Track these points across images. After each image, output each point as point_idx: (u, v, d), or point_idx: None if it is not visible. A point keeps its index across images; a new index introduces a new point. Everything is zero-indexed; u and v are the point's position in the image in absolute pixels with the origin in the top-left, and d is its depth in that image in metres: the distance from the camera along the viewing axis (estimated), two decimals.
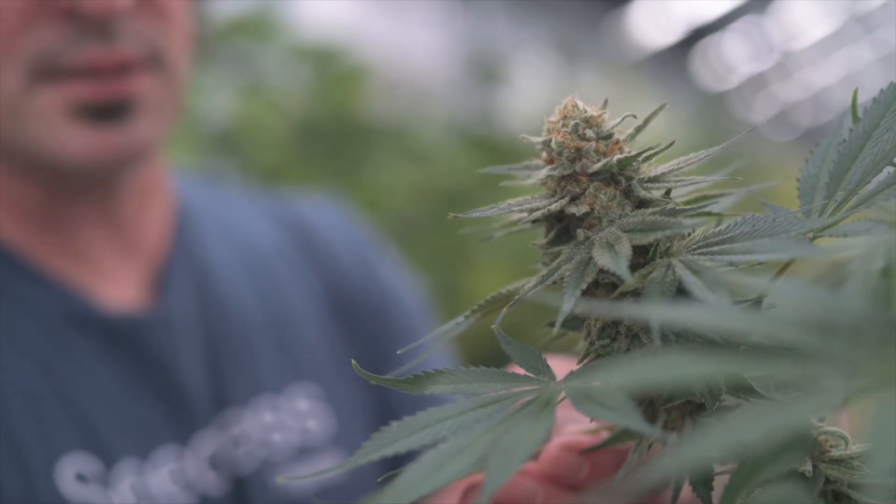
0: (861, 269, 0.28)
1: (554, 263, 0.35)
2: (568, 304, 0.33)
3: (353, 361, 0.36)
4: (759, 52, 7.83)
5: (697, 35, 7.59)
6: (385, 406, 0.88)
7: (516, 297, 0.36)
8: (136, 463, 0.74)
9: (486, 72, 4.39)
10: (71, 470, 0.72)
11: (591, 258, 0.34)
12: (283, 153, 2.68)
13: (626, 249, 0.33)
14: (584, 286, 0.33)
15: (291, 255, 0.93)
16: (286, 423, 0.83)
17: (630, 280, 0.32)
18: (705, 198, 0.38)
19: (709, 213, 0.36)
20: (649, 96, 6.00)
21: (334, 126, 2.88)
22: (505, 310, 0.36)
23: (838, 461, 0.36)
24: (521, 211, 0.36)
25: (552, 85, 5.27)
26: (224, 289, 0.85)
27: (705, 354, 0.27)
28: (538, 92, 4.96)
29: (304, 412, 0.84)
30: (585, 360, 0.38)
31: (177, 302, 0.81)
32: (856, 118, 0.39)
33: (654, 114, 0.36)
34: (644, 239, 0.33)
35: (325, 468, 0.81)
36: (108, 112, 0.73)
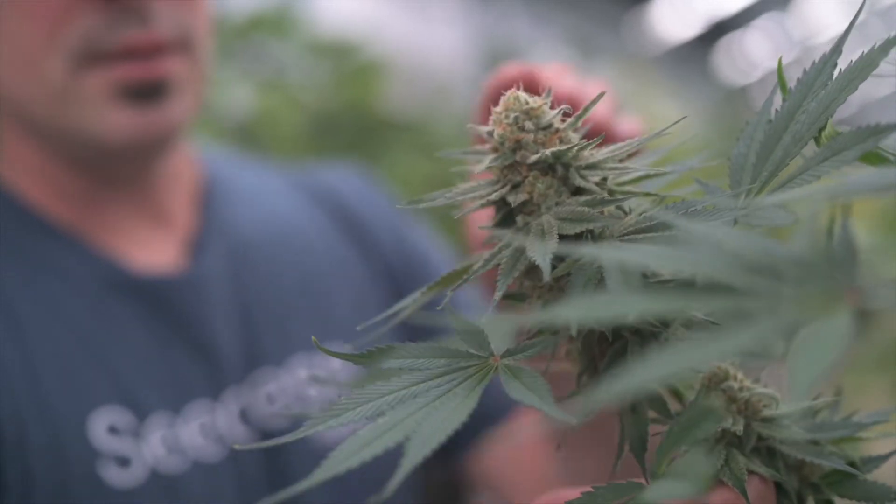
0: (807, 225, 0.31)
1: (496, 248, 0.38)
2: (499, 293, 0.36)
3: (314, 338, 0.39)
4: (780, 47, 7.78)
5: (719, 30, 7.55)
6: None
7: (465, 276, 0.39)
8: (168, 416, 0.78)
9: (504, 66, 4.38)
10: (103, 422, 0.75)
11: (524, 248, 0.36)
12: (300, 146, 2.71)
13: (552, 244, 0.35)
14: (514, 277, 0.36)
15: (321, 221, 0.96)
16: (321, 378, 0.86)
17: (548, 275, 0.34)
18: (647, 177, 0.40)
19: (644, 194, 0.39)
20: (669, 91, 5.98)
21: (351, 120, 2.91)
22: (452, 290, 0.38)
23: (770, 420, 0.39)
24: (468, 199, 0.38)
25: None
26: (256, 255, 0.89)
27: (652, 292, 0.29)
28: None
29: (337, 368, 0.87)
30: (531, 333, 0.40)
31: (209, 265, 0.85)
32: (785, 91, 0.40)
33: (595, 101, 0.38)
34: (573, 229, 0.36)
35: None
36: (147, 93, 0.77)
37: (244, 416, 0.81)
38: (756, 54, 7.87)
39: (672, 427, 0.35)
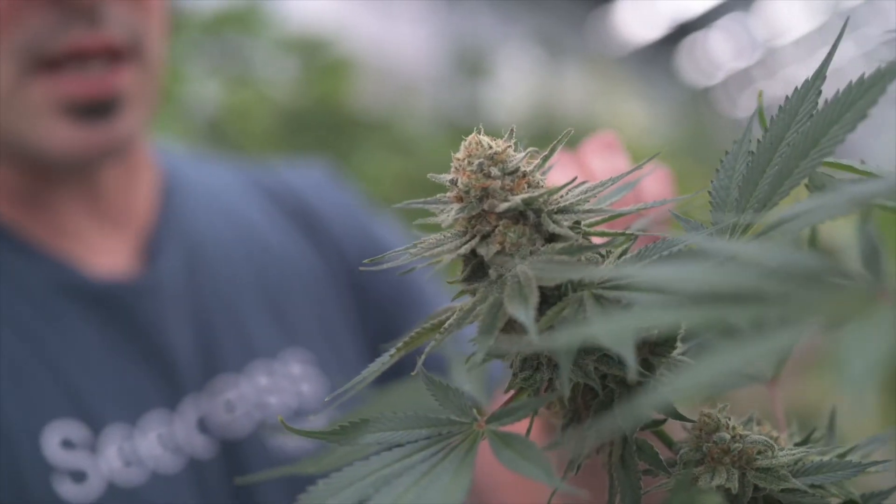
0: (787, 234, 0.30)
1: (471, 303, 0.36)
2: (480, 354, 0.33)
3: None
4: (743, 48, 7.84)
5: (682, 31, 7.60)
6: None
7: (438, 334, 0.37)
8: (125, 428, 0.76)
9: (470, 66, 4.40)
10: (57, 436, 0.73)
11: (502, 302, 0.34)
12: (271, 143, 2.70)
13: (534, 298, 0.33)
14: (496, 334, 0.33)
15: (281, 223, 0.94)
16: (281, 386, 0.84)
17: (534, 332, 0.31)
18: (620, 215, 0.37)
19: (621, 234, 0.36)
20: (633, 91, 6.02)
21: (321, 117, 2.91)
22: (427, 350, 0.36)
23: (766, 470, 0.37)
24: (434, 254, 0.36)
25: (537, 79, 5.28)
26: (214, 258, 0.87)
27: (680, 304, 0.28)
28: (523, 86, 4.98)
29: (298, 376, 0.86)
30: (511, 392, 0.38)
31: (165, 269, 0.82)
32: (763, 123, 0.38)
33: (558, 143, 0.36)
34: (553, 280, 0.34)
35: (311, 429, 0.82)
36: (96, 110, 0.75)
37: (202, 424, 0.79)
38: (719, 55, 7.92)
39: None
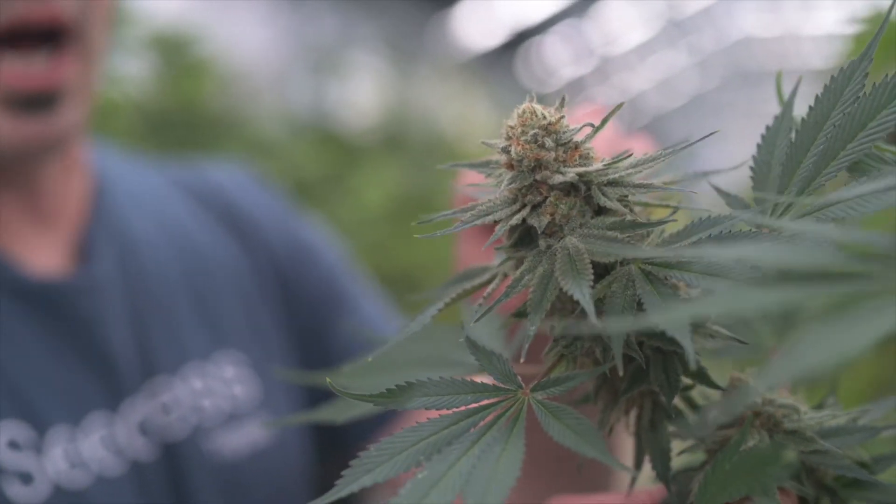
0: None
1: (518, 273, 0.36)
2: (533, 326, 0.33)
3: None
4: (579, 55, 8.11)
5: (521, 38, 7.79)
6: (306, 371, 0.89)
7: (483, 305, 0.36)
8: (68, 429, 0.74)
9: (319, 67, 4.38)
10: (3, 438, 0.71)
11: (553, 273, 0.34)
12: (133, 141, 2.60)
13: (588, 275, 0.33)
14: (547, 307, 0.33)
15: (208, 223, 0.93)
16: (215, 389, 0.84)
17: (593, 314, 0.32)
18: (669, 190, 0.37)
19: (666, 206, 0.37)
20: (478, 96, 6.13)
21: (182, 117, 2.84)
22: (475, 321, 0.36)
23: (793, 432, 0.38)
24: (486, 221, 0.36)
25: (385, 81, 5.31)
26: (145, 258, 0.85)
27: (768, 285, 0.27)
28: (370, 87, 4.99)
29: (231, 378, 0.85)
30: (551, 359, 0.38)
31: (99, 269, 0.81)
32: (782, 100, 0.39)
33: (611, 114, 0.37)
34: (603, 258, 0.34)
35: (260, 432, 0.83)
36: (39, 103, 0.73)
37: (143, 427, 0.79)
38: (555, 61, 8.17)
39: (717, 466, 0.34)
